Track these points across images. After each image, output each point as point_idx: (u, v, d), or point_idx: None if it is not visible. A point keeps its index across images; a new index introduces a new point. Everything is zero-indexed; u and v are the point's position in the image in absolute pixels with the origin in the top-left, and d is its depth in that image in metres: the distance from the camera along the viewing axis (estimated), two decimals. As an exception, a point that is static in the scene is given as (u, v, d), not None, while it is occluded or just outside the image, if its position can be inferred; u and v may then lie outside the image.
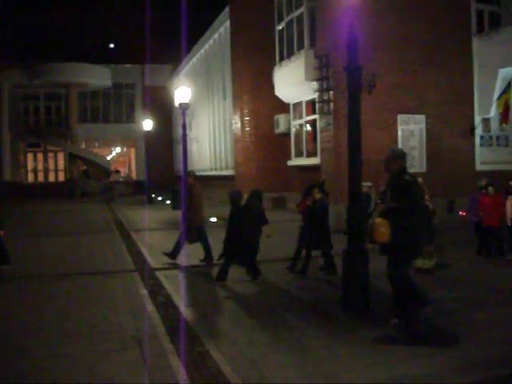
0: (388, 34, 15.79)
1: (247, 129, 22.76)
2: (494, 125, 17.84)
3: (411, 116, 16.32)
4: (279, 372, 5.08)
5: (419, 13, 16.30)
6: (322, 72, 15.65)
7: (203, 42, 29.82)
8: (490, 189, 10.89)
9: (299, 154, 20.48)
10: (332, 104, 15.40)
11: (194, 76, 31.14)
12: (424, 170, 16.42)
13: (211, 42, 28.59)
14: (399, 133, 16.22)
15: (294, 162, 20.72)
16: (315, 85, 16.48)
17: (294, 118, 20.81)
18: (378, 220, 6.16)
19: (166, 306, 7.54)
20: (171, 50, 35.44)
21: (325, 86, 15.56)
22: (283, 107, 21.21)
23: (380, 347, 5.66)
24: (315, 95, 17.34)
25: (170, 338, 6.04)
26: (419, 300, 6.13)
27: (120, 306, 7.61)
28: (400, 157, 6.29)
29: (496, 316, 6.74)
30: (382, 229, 6.04)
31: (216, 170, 28.49)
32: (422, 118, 16.50)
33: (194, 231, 10.72)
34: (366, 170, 14.84)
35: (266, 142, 22.36)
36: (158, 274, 9.85)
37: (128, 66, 42.87)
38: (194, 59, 32.66)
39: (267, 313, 7.18)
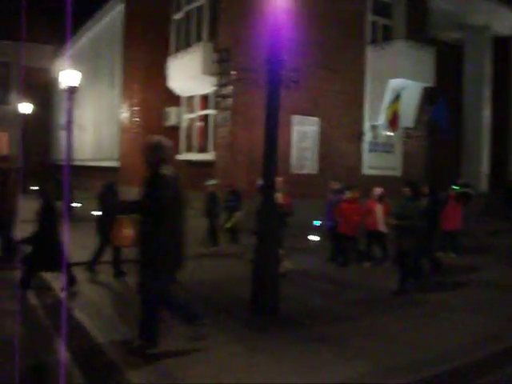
0: (286, 35, 15.76)
1: (135, 119, 21.83)
2: (381, 132, 18.58)
3: (305, 118, 16.45)
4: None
5: (318, 17, 16.44)
6: (221, 66, 15.27)
7: (92, 25, 28.17)
8: (348, 193, 10.58)
9: (190, 149, 19.96)
10: (230, 100, 15.07)
11: (80, 60, 29.37)
12: (315, 171, 16.68)
13: (101, 25, 27.12)
14: (293, 133, 16.28)
15: (184, 156, 20.14)
16: (213, 79, 16.11)
17: (187, 112, 20.24)
18: (121, 219, 5.36)
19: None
20: (55, 30, 33.18)
21: (224, 81, 15.19)
22: (175, 100, 20.56)
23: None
24: (210, 89, 17.01)
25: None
26: (185, 317, 5.50)
27: None
28: (157, 148, 5.37)
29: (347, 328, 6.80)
30: (125, 230, 5.34)
31: (98, 160, 27.10)
32: (316, 120, 16.71)
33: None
34: (259, 167, 14.97)
35: (155, 134, 21.56)
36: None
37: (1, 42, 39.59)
38: (81, 42, 30.88)
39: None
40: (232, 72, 14.76)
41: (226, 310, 6.93)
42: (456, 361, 5.40)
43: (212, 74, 16.38)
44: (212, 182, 12.09)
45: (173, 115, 20.55)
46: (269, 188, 6.86)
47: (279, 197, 8.71)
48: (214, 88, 16.12)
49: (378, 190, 10.69)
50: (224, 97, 15.30)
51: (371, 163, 18.27)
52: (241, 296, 7.27)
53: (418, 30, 19.06)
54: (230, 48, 15.11)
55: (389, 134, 18.54)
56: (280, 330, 6.23)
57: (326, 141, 16.94)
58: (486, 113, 22.56)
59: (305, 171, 16.50)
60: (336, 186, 11.33)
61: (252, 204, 9.19)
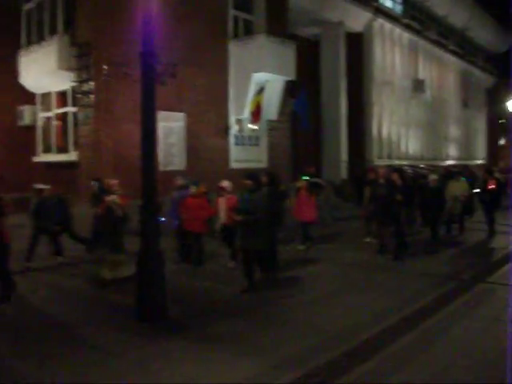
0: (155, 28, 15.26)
1: (-15, 119, 20.02)
2: (246, 125, 18.73)
3: (171, 113, 16.07)
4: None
5: (181, 11, 16.10)
6: (81, 61, 14.42)
7: None
8: (192, 188, 9.98)
9: (48, 150, 18.69)
10: (92, 96, 14.29)
11: None
12: (183, 167, 16.39)
13: None
14: (159, 130, 15.82)
15: (42, 158, 18.82)
16: (71, 74, 15.19)
17: (42, 110, 18.91)
18: None
19: None
20: None
21: (85, 76, 14.36)
22: (28, 97, 19.12)
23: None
24: (68, 85, 16.04)
25: None
26: None
27: None
28: None
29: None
30: None
31: None
32: (181, 115, 16.42)
33: None
34: (126, 166, 14.40)
35: (8, 135, 19.90)
36: None
37: None
38: None
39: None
40: (104, 66, 13.98)
41: (108, 320, 6.52)
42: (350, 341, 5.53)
43: (70, 69, 15.44)
44: (94, 182, 11.41)
45: (27, 114, 19.06)
46: (149, 188, 6.49)
47: (115, 199, 8.73)
48: (73, 84, 15.19)
49: (222, 184, 10.06)
50: (85, 93, 14.47)
51: (238, 157, 18.36)
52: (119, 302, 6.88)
53: (278, 25, 19.44)
54: (90, 41, 14.30)
55: (254, 127, 18.76)
56: (172, 333, 6.04)
57: (192, 136, 16.72)
58: (343, 104, 23.69)
59: (172, 168, 16.14)
60: (179, 181, 10.81)
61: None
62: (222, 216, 9.78)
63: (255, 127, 18.70)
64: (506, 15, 36.69)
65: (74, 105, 16.31)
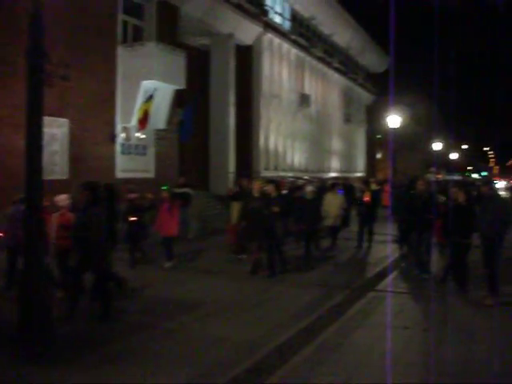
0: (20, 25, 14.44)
1: None
2: (134, 134, 18.29)
3: (54, 119, 15.27)
4: None
5: (68, 14, 15.40)
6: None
7: None
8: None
9: None
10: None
11: None
12: (66, 176, 15.64)
13: None
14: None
15: None
16: None
17: None
18: None
19: None
20: None
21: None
22: None
23: None
24: None
25: None
26: None
27: None
28: None
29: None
30: None
31: None
32: (65, 121, 15.64)
33: None
34: (7, 177, 13.48)
35: None
36: None
37: None
38: None
39: None
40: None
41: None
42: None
43: None
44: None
45: None
46: (32, 199, 6.07)
47: None
48: None
49: (56, 198, 8.71)
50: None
51: (124, 166, 17.83)
52: None
53: (169, 33, 19.22)
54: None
55: (141, 136, 18.36)
56: (67, 357, 5.68)
57: (76, 143, 15.98)
58: (231, 115, 23.85)
59: (54, 177, 15.33)
60: (17, 196, 9.18)
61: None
62: (52, 236, 8.30)
63: (143, 136, 18.30)
64: (385, 38, 39.05)
65: None
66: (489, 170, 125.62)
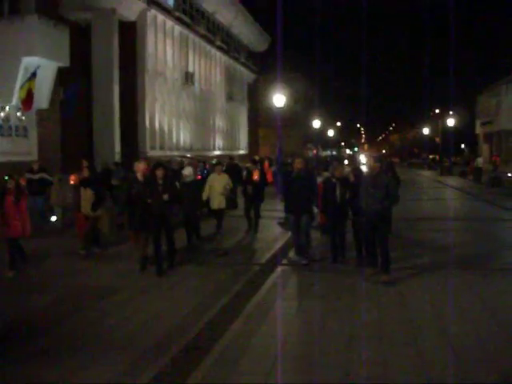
0: None
1: None
2: (15, 115, 17.21)
3: None
4: None
5: None
6: None
7: None
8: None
9: None
10: None
11: None
12: None
13: None
14: None
15: None
16: None
17: None
18: None
19: None
20: None
21: None
22: None
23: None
24: None
25: None
26: None
27: None
28: None
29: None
30: None
31: None
32: None
33: None
34: None
35: None
36: None
37: None
38: None
39: None
40: None
41: None
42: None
43: None
44: None
45: None
46: None
47: None
48: None
49: None
50: None
51: (3, 149, 16.73)
52: None
53: (49, 6, 18.15)
54: None
55: (21, 116, 17.32)
56: None
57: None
58: (115, 94, 23.14)
59: None
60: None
61: None
62: None
63: (23, 117, 17.27)
64: (266, 16, 39.69)
65: None
66: (360, 145, 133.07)
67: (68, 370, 4.98)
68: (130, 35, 24.76)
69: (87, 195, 9.99)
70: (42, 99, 17.28)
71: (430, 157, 59.02)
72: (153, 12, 25.83)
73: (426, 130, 58.43)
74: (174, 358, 5.22)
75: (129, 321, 6.43)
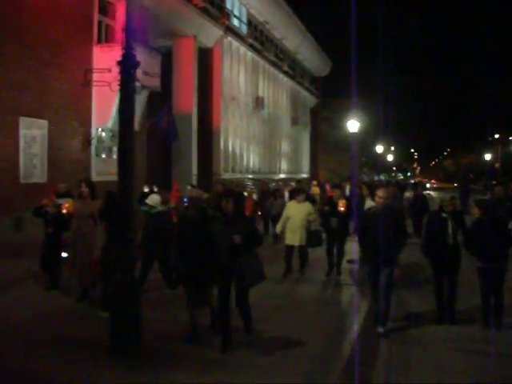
0: (13, 24, 13.91)
1: None
2: (108, 136, 17.99)
3: (34, 120, 14.81)
4: None
5: (47, 8, 15.00)
6: None
7: None
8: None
9: None
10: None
11: None
12: (45, 180, 15.18)
13: None
14: (21, 138, 14.46)
15: None
16: None
17: None
18: None
19: None
20: None
21: None
22: None
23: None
24: None
25: None
26: None
27: None
28: None
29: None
30: None
31: None
32: (44, 123, 15.18)
33: None
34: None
35: None
36: None
37: None
38: None
39: None
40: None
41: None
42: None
43: None
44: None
45: None
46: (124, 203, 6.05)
47: None
48: None
49: None
50: None
51: (99, 168, 17.50)
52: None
53: (141, 34, 18.94)
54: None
55: (114, 138, 18.08)
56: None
57: (54, 146, 15.56)
58: (194, 117, 23.80)
59: (34, 180, 14.88)
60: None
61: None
62: None
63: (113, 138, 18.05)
64: (328, 42, 40.22)
65: None
66: (412, 170, 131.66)
67: None
68: (207, 61, 25.52)
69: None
70: (135, 123, 17.92)
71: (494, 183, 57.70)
72: (229, 39, 26.60)
73: (487, 156, 57.42)
74: None
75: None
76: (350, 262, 11.12)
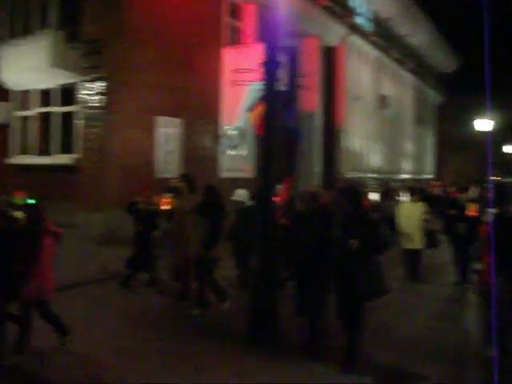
0: (150, 30, 14.83)
1: None
2: (236, 134, 18.50)
3: (169, 119, 15.67)
4: None
5: (182, 13, 15.79)
6: (91, 59, 13.87)
7: None
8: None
9: (25, 151, 17.71)
10: (101, 97, 13.69)
11: None
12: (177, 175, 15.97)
13: None
14: (158, 136, 15.37)
15: (18, 160, 17.72)
16: (64, 72, 14.76)
17: (22, 108, 17.90)
18: None
19: None
20: None
21: (95, 76, 13.79)
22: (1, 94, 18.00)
23: None
24: (55, 84, 15.92)
25: None
26: None
27: None
28: None
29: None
30: None
31: None
32: (179, 121, 16.01)
33: None
34: (126, 175, 13.87)
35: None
36: None
37: None
38: None
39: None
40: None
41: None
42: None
43: (63, 67, 14.90)
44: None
45: (1, 112, 18.04)
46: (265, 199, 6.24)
47: None
48: (59, 83, 14.78)
49: None
50: (95, 94, 13.89)
51: (228, 165, 18.08)
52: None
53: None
54: (99, 39, 13.74)
55: (241, 135, 18.57)
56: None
57: (188, 143, 16.35)
58: (319, 116, 23.83)
59: (167, 175, 15.69)
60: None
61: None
62: None
63: (244, 135, 18.52)
64: (455, 36, 38.51)
65: (61, 105, 15.90)
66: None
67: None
68: (331, 60, 25.45)
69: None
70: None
71: None
72: (353, 37, 26.37)
73: None
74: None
75: None
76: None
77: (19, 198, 9.61)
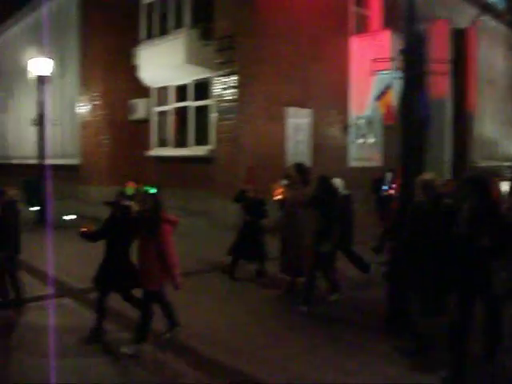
0: (278, 24, 15.14)
1: (97, 113, 20.21)
2: (364, 123, 18.38)
3: (299, 109, 15.91)
4: None
5: (309, 6, 15.95)
6: (225, 55, 14.48)
7: (32, 8, 25.83)
8: None
9: (163, 144, 18.83)
10: (237, 90, 14.26)
11: (20, 46, 26.98)
12: (309, 165, 16.18)
13: (45, 9, 24.93)
14: (288, 126, 15.69)
15: (156, 152, 18.92)
16: (196, 68, 15.64)
17: (157, 104, 19.06)
18: None
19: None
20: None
21: (228, 70, 14.39)
22: (140, 91, 19.26)
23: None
24: (189, 79, 16.78)
25: None
26: None
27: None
28: None
29: None
30: None
31: (60, 158, 24.43)
32: (308, 111, 16.21)
33: None
34: (258, 165, 14.30)
35: (119, 128, 20.02)
36: None
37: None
38: (17, 27, 28.40)
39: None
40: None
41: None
42: None
43: (198, 63, 15.68)
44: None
45: (140, 108, 19.30)
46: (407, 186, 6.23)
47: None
48: (196, 78, 15.59)
49: None
50: (229, 88, 14.51)
51: (356, 155, 18.04)
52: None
53: (392, 20, 18.99)
54: (232, 35, 14.30)
55: (368, 124, 18.41)
56: None
57: (317, 133, 16.51)
58: (449, 102, 22.97)
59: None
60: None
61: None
62: None
63: (372, 125, 18.35)
64: None
65: (194, 99, 16.75)
66: None
67: None
68: (461, 43, 24.36)
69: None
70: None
71: None
72: (484, 18, 25.06)
73: None
74: None
75: None
76: None
77: (130, 188, 10.29)
